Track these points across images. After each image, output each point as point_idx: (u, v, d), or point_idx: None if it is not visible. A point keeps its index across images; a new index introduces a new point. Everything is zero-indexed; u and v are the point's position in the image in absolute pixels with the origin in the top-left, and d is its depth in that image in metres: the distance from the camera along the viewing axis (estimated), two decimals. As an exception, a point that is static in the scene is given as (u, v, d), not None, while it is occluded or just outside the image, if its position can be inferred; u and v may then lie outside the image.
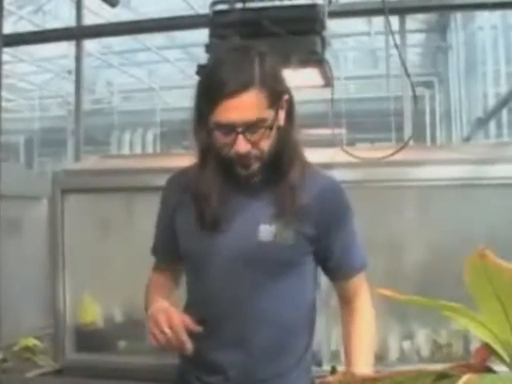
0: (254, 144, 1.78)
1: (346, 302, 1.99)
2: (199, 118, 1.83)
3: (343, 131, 9.08)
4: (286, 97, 1.85)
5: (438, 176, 2.85)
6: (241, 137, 1.75)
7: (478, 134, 8.32)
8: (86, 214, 3.25)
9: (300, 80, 3.00)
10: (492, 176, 2.83)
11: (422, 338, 2.88)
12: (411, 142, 3.20)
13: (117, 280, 3.11)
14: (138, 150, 12.45)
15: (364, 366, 1.86)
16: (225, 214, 1.87)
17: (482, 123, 8.11)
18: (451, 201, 2.89)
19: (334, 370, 1.09)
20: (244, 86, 1.72)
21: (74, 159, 6.70)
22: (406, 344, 2.89)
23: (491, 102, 8.07)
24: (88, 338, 3.24)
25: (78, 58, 6.03)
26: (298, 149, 1.90)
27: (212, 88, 1.75)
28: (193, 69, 2.68)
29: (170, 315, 1.76)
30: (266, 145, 1.80)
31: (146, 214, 3.02)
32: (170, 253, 2.02)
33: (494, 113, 7.71)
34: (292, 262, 1.91)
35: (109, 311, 3.26)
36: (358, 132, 10.78)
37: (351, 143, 7.88)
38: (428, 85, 10.86)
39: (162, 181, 2.93)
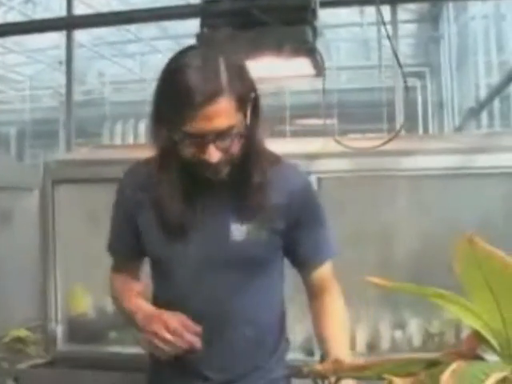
0: (225, 151, 1.72)
1: (315, 295, 1.96)
2: (159, 120, 1.76)
3: (335, 121, 9.09)
4: (252, 95, 1.78)
5: (430, 165, 2.84)
6: (212, 146, 1.70)
7: (470, 124, 8.33)
8: (78, 204, 3.24)
9: (291, 70, 3.00)
10: (483, 165, 2.83)
11: (414, 328, 2.88)
12: (403, 132, 3.20)
13: (108, 271, 3.09)
14: (130, 140, 12.42)
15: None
16: (192, 219, 1.83)
17: (473, 113, 8.12)
18: (443, 190, 2.89)
19: (323, 359, 1.09)
20: (213, 96, 1.65)
21: (65, 150, 6.70)
22: (398, 333, 2.89)
23: (483, 93, 8.08)
24: (79, 329, 3.23)
25: (69, 49, 6.03)
26: (263, 145, 1.85)
27: (178, 98, 1.67)
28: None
29: (165, 320, 1.72)
30: (236, 149, 1.75)
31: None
32: (129, 250, 1.99)
33: (486, 103, 7.72)
34: (266, 260, 1.90)
35: (100, 302, 3.25)
36: (349, 122, 10.78)
37: (343, 134, 7.85)
38: (420, 75, 10.86)
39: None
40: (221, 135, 1.69)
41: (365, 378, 0.80)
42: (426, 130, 10.50)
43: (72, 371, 3.11)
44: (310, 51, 2.88)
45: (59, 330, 3.20)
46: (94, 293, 3.25)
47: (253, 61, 2.51)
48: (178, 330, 1.69)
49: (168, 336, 1.69)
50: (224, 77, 1.69)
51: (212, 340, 1.80)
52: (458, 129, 8.70)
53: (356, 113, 11.13)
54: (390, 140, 2.72)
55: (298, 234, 1.90)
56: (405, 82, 3.07)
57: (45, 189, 3.21)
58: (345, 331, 1.90)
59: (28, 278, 3.87)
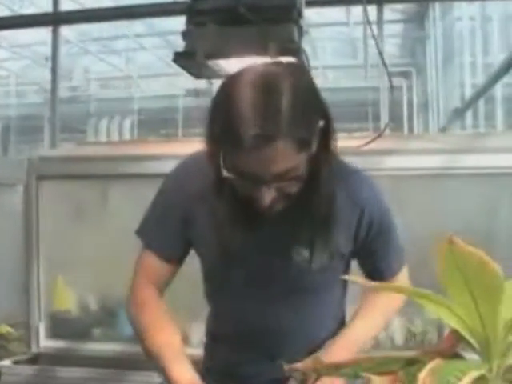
0: (281, 192, 1.53)
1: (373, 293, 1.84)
2: (213, 141, 1.53)
3: (320, 120, 9.10)
4: (320, 124, 1.53)
5: (414, 165, 2.85)
6: (265, 188, 1.50)
7: (455, 124, 8.36)
8: (61, 200, 3.24)
9: (277, 68, 3.00)
10: (467, 166, 2.84)
11: (397, 326, 2.89)
12: (388, 132, 3.21)
13: (91, 267, 3.09)
14: (115, 137, 12.39)
15: (347, 345, 1.74)
16: (253, 244, 1.68)
17: (458, 114, 8.15)
18: (427, 190, 2.90)
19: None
20: (269, 139, 1.42)
21: (50, 146, 6.68)
22: (381, 333, 2.90)
23: (468, 93, 8.10)
24: (62, 326, 3.23)
25: (55, 45, 6.00)
26: (331, 177, 1.61)
27: (230, 132, 1.44)
28: (171, 57, 2.65)
29: None
30: (294, 189, 1.56)
31: (122, 202, 3.03)
32: (177, 252, 1.81)
33: (471, 103, 7.75)
34: (325, 285, 1.78)
35: (83, 299, 3.25)
36: (334, 121, 10.77)
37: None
38: (406, 75, 10.89)
39: (138, 168, 2.94)
40: (275, 179, 1.49)
41: (343, 376, 0.81)
42: (411, 129, 10.54)
43: (55, 368, 3.11)
44: (296, 50, 2.88)
45: (42, 327, 3.19)
46: (78, 290, 3.25)
47: (238, 58, 2.52)
48: None
49: None
50: (285, 116, 1.43)
51: (263, 354, 1.77)
52: (443, 129, 8.73)
53: (341, 112, 11.09)
54: (374, 139, 2.73)
55: (366, 252, 1.78)
56: (390, 81, 3.08)
57: (29, 185, 3.21)
58: (366, 323, 1.79)
59: (11, 275, 3.86)
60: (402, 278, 1.84)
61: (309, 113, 1.51)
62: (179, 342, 1.71)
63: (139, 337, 1.76)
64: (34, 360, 3.21)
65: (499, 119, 8.27)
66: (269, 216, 1.63)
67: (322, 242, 1.67)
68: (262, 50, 2.72)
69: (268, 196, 1.51)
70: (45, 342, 3.19)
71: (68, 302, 3.26)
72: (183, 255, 1.82)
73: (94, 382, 2.85)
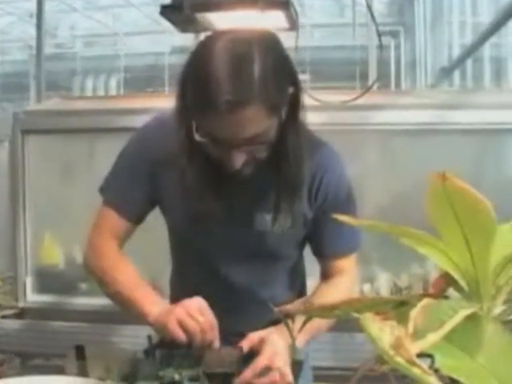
0: (251, 155, 1.57)
1: (327, 278, 1.86)
2: (184, 108, 1.56)
3: (307, 77, 9.05)
4: (290, 90, 1.57)
5: (402, 120, 2.86)
6: (235, 152, 1.54)
7: (443, 83, 8.35)
8: (48, 155, 3.22)
9: (265, 22, 2.96)
10: (455, 122, 2.85)
11: (383, 281, 2.91)
12: (375, 88, 3.20)
13: (78, 222, 3.07)
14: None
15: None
16: (218, 208, 1.69)
17: (446, 73, 8.14)
18: (414, 145, 2.91)
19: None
20: (242, 103, 1.45)
21: (35, 103, 6.62)
22: (366, 287, 2.92)
23: (456, 53, 8.09)
24: (50, 280, 3.23)
25: (40, 1, 5.92)
26: (299, 144, 1.65)
27: (203, 98, 1.47)
28: (158, 13, 2.62)
29: (187, 306, 1.61)
30: (264, 154, 1.60)
31: (109, 156, 3.00)
32: (137, 209, 1.80)
33: (459, 63, 7.74)
34: (284, 251, 1.82)
35: (70, 253, 3.24)
36: (322, 80, 10.74)
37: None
38: (394, 34, 10.83)
39: (125, 122, 2.92)
40: (247, 143, 1.52)
41: (334, 318, 0.81)
42: (398, 88, 10.50)
43: (42, 322, 3.11)
44: (285, 4, 2.85)
45: (29, 281, 3.19)
46: (65, 244, 3.24)
47: (226, 12, 2.50)
48: (211, 318, 1.60)
49: (200, 317, 1.58)
50: (258, 79, 1.47)
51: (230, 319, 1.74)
52: (431, 87, 8.72)
53: (328, 71, 11.09)
54: (362, 94, 2.72)
55: (321, 223, 1.78)
56: (379, 39, 3.05)
57: (14, 139, 3.18)
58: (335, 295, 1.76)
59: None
60: (347, 264, 1.84)
61: (280, 79, 1.53)
62: (140, 277, 1.76)
63: (100, 283, 1.81)
64: (22, 314, 3.21)
65: (487, 79, 8.27)
66: (237, 181, 1.67)
67: (287, 206, 1.70)
68: (251, 4, 2.69)
69: (238, 159, 1.55)
70: (32, 297, 3.19)
71: (55, 256, 3.25)
72: (143, 215, 1.83)
73: (81, 336, 2.85)
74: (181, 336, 1.57)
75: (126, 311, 1.77)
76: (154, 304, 1.68)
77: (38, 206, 3.18)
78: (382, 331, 0.59)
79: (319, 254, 1.86)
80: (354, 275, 1.89)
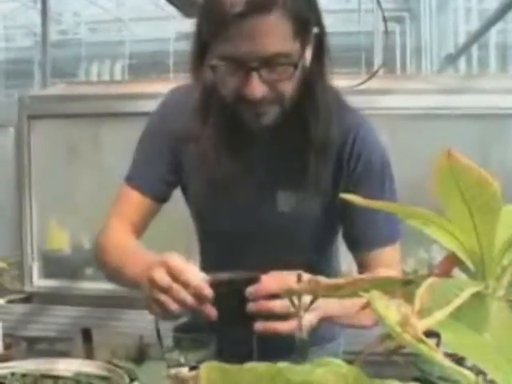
0: (272, 86, 1.36)
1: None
2: (200, 51, 1.40)
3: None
4: (315, 30, 1.41)
5: (407, 105, 2.85)
6: (255, 76, 1.33)
7: (448, 70, 8.32)
8: (54, 141, 3.22)
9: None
10: (460, 106, 2.84)
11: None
12: (381, 73, 3.19)
13: (84, 207, 3.09)
14: (106, 82, 12.27)
15: None
16: (237, 180, 1.53)
17: (452, 59, 8.11)
18: (419, 130, 2.90)
19: (299, 278, 1.07)
20: (262, 6, 1.27)
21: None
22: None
23: (462, 39, 8.05)
24: (56, 265, 3.24)
25: (44, -13, 5.90)
26: (327, 97, 1.48)
27: (217, 6, 1.29)
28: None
29: (174, 264, 1.31)
30: (287, 87, 1.39)
31: (114, 141, 3.01)
32: (161, 188, 1.66)
33: (464, 49, 7.70)
34: (314, 236, 1.63)
35: (77, 238, 3.25)
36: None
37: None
38: (399, 20, 10.77)
39: (130, 106, 2.92)
40: (268, 63, 1.33)
41: (340, 297, 0.81)
42: (404, 74, 10.47)
43: (48, 307, 3.12)
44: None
45: (35, 266, 3.20)
46: (71, 229, 3.25)
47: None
48: (189, 277, 1.30)
49: (173, 284, 1.29)
50: None
51: None
52: (436, 73, 8.69)
53: (334, 56, 11.03)
54: (368, 79, 2.71)
55: (352, 208, 1.50)
56: (385, 24, 3.04)
57: (20, 124, 3.19)
58: None
59: (4, 216, 3.85)
60: (388, 259, 1.57)
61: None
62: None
63: (113, 279, 1.65)
64: (28, 299, 3.22)
65: (492, 65, 8.23)
66: (257, 147, 1.54)
67: (313, 180, 1.51)
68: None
69: (258, 88, 1.34)
70: (38, 282, 3.20)
71: (61, 241, 3.26)
72: (167, 193, 1.69)
73: (87, 320, 2.86)
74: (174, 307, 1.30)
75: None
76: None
77: (44, 191, 3.19)
78: (389, 309, 0.59)
79: (352, 245, 1.61)
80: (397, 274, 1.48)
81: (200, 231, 1.77)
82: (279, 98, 1.39)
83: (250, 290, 1.31)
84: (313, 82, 1.46)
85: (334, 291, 0.79)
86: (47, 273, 3.22)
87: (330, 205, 1.55)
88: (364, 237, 1.57)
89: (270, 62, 1.33)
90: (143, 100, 2.75)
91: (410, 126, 2.90)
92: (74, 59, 12.59)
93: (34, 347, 2.89)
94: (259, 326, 1.31)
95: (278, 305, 1.29)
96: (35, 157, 3.17)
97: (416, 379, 1.25)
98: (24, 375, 1.32)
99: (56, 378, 1.32)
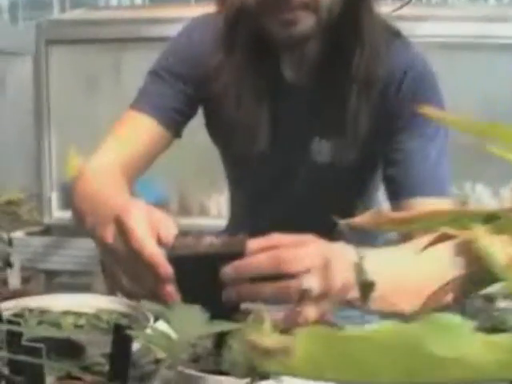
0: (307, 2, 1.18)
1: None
2: None
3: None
4: None
5: (442, 33, 2.74)
6: None
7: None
8: (73, 67, 3.14)
9: None
10: (496, 35, 2.73)
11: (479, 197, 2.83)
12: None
13: (104, 136, 3.00)
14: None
15: None
16: (261, 117, 1.35)
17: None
18: (454, 59, 2.79)
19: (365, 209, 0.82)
20: None
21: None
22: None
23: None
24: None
25: None
26: (374, 23, 1.28)
27: None
28: None
29: (127, 222, 0.96)
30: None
31: (135, 67, 2.89)
32: (175, 118, 1.43)
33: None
34: (351, 186, 1.47)
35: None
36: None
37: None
38: None
39: (152, 31, 2.81)
40: None
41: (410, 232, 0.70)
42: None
43: (68, 239, 3.06)
44: None
45: (54, 197, 3.13)
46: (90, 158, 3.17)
47: None
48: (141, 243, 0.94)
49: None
50: None
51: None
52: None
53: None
54: (404, 5, 2.59)
55: (398, 146, 1.32)
56: None
57: (38, 50, 3.10)
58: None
59: (22, 146, 3.78)
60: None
61: None
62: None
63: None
64: (47, 231, 3.16)
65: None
66: (287, 85, 1.35)
67: (353, 124, 1.32)
68: None
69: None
70: (57, 213, 3.13)
71: (80, 171, 3.19)
72: (183, 124, 1.46)
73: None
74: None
75: None
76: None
77: (63, 120, 3.11)
78: (494, 246, 0.48)
79: (392, 192, 1.37)
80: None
81: (228, 177, 1.63)
82: (314, 3, 1.19)
83: (228, 269, 0.93)
84: (357, 5, 1.26)
85: (402, 225, 0.68)
86: (66, 204, 3.14)
87: (370, 153, 1.38)
88: (406, 181, 1.32)
89: None
90: (165, 24, 2.64)
91: (445, 55, 2.78)
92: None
93: (54, 281, 2.84)
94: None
95: (270, 290, 0.93)
96: (54, 84, 3.09)
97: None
98: (42, 311, 1.23)
99: (77, 314, 1.22)
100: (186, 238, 0.96)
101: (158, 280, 0.93)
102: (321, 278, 0.91)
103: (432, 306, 0.68)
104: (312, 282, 0.91)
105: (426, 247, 0.65)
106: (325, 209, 1.22)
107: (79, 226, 1.28)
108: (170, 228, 0.97)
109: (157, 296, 0.93)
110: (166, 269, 0.92)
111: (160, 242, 0.95)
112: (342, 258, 0.95)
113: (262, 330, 0.38)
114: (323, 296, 0.92)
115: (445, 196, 1.29)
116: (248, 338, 0.34)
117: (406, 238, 1.07)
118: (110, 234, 0.98)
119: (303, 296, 0.88)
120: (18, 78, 4.08)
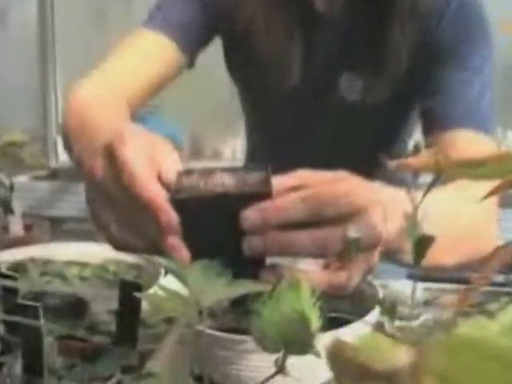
0: None
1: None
2: None
3: None
4: None
5: None
6: None
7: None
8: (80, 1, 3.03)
9: None
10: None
11: None
12: None
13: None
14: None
15: None
16: (294, 56, 1.26)
17: None
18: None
19: (417, 149, 0.71)
20: None
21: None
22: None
23: None
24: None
25: None
26: None
27: None
28: None
29: (121, 154, 0.74)
30: None
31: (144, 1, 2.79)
32: (194, 36, 1.30)
33: None
34: (382, 128, 1.37)
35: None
36: None
37: None
38: None
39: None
40: None
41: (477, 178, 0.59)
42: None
43: (75, 184, 2.99)
44: None
45: (60, 140, 3.06)
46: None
47: None
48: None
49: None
50: None
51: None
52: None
53: None
54: None
55: (434, 82, 1.23)
56: None
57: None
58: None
59: (27, 86, 3.69)
60: (469, 148, 1.16)
61: None
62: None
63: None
64: (53, 176, 3.10)
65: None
66: (318, 18, 1.25)
67: (392, 56, 1.22)
68: None
69: None
70: (64, 157, 3.08)
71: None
72: (200, 49, 1.33)
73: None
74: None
75: None
76: None
77: (70, 58, 3.03)
78: None
79: (432, 129, 1.23)
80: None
81: (246, 120, 1.53)
82: None
83: (251, 214, 0.71)
84: None
85: (468, 169, 0.57)
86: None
87: (404, 91, 1.28)
88: (447, 112, 1.21)
89: None
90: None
91: None
92: None
93: (59, 228, 2.77)
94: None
95: (306, 240, 0.71)
96: (60, 20, 2.99)
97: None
98: (46, 261, 1.15)
99: (82, 264, 1.14)
100: (193, 175, 0.76)
101: (159, 229, 0.71)
102: (369, 225, 0.72)
103: (495, 266, 0.57)
104: (360, 230, 0.72)
105: (489, 195, 0.53)
106: (351, 155, 1.25)
107: (69, 156, 1.13)
108: (174, 163, 0.76)
109: (158, 249, 0.72)
110: (170, 215, 0.70)
111: (161, 180, 0.74)
112: (392, 200, 0.76)
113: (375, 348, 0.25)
114: (372, 247, 0.74)
115: (488, 133, 1.19)
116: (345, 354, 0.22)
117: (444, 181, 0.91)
118: (99, 165, 0.75)
119: (347, 247, 0.70)
120: (22, 13, 3.98)
